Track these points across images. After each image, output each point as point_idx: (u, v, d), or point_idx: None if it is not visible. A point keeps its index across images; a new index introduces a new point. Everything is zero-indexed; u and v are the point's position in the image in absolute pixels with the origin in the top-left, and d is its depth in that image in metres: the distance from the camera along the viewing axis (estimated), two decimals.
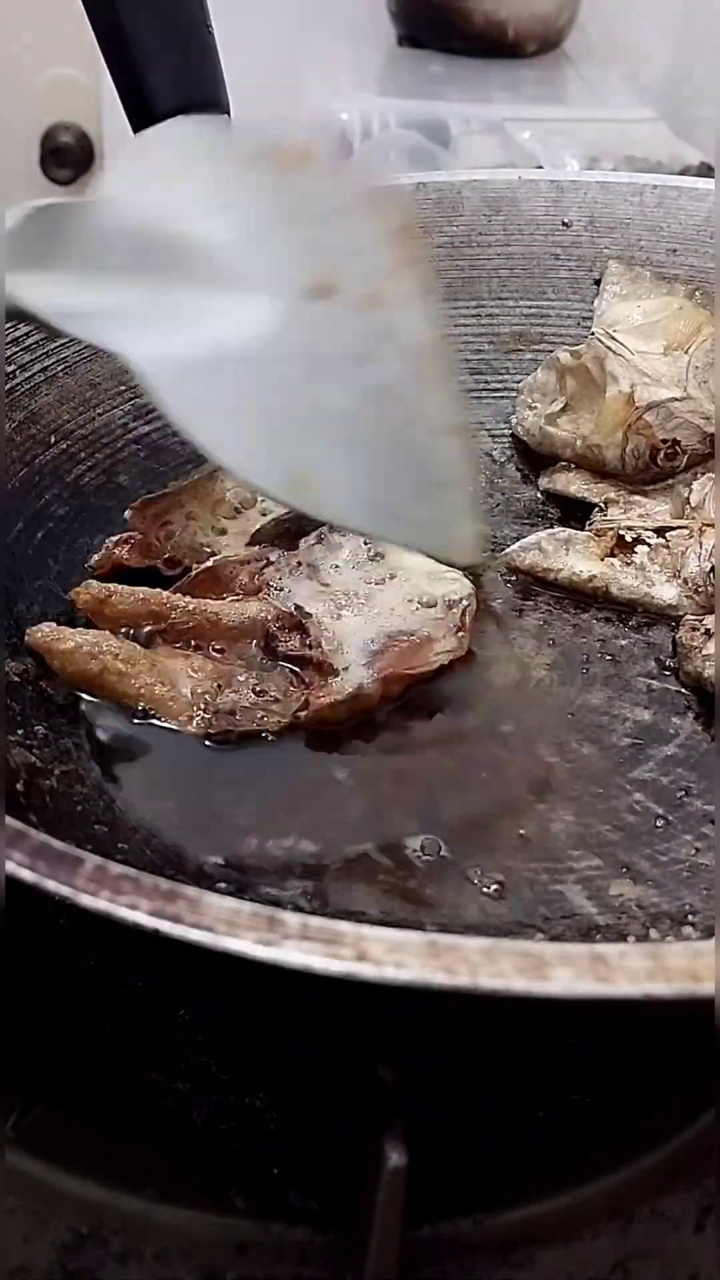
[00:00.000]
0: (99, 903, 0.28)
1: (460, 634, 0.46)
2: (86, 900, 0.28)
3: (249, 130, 0.42)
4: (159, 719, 0.42)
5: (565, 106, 1.09)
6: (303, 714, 0.43)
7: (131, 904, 0.28)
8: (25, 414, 0.50)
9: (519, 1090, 0.35)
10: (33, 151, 1.34)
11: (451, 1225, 0.33)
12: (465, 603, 0.47)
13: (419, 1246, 0.32)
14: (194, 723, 0.42)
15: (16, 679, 0.43)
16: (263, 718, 0.43)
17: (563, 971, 0.26)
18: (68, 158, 1.34)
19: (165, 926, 0.27)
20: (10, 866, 0.29)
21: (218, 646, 0.44)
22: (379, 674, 0.44)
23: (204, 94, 0.53)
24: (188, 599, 0.45)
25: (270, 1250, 0.33)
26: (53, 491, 0.49)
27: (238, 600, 0.46)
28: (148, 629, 0.44)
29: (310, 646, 0.44)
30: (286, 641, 0.45)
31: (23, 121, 1.31)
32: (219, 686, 0.43)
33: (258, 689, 0.43)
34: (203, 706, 0.42)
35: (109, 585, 0.45)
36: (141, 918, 0.27)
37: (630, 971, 0.26)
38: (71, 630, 0.43)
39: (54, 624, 0.44)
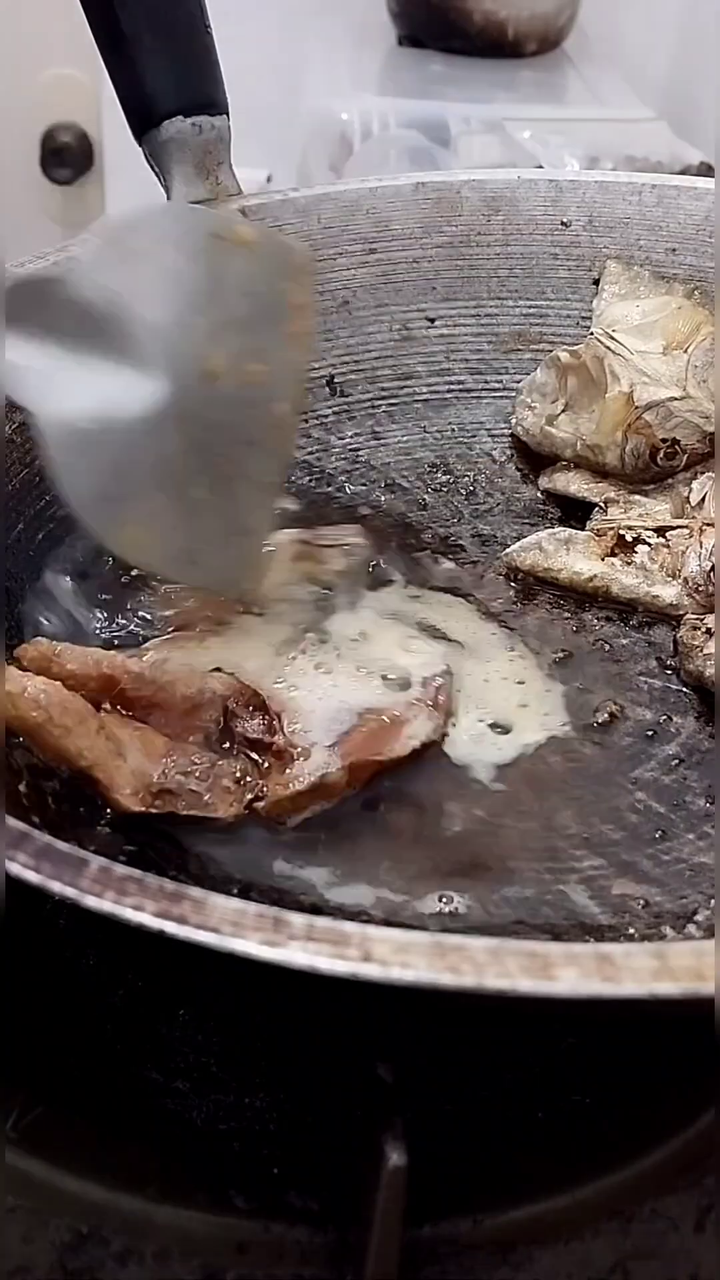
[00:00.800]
0: (104, 904, 0.28)
1: (436, 715, 0.42)
2: (91, 902, 0.28)
3: (206, 214, 0.49)
4: (94, 786, 0.39)
5: (565, 106, 1.09)
6: (259, 804, 0.40)
7: (137, 905, 0.27)
8: (24, 415, 0.49)
9: (519, 1090, 0.35)
10: (33, 151, 1.34)
11: (451, 1225, 0.33)
12: (440, 680, 0.44)
13: (419, 1246, 0.32)
14: (137, 797, 0.39)
15: None
16: (210, 803, 0.39)
17: (568, 971, 0.26)
18: (68, 158, 1.34)
19: (170, 927, 0.27)
20: (14, 868, 0.29)
21: (170, 719, 0.41)
22: (344, 760, 0.40)
23: (203, 96, 0.53)
24: (143, 663, 0.42)
25: (270, 1250, 0.33)
26: (52, 493, 0.49)
27: (195, 673, 0.42)
28: (97, 693, 0.40)
29: (270, 731, 0.41)
30: (246, 722, 0.41)
31: (23, 121, 1.31)
32: (167, 763, 0.40)
33: (209, 772, 0.40)
34: (146, 781, 0.39)
35: (58, 643, 0.41)
36: (147, 919, 0.27)
37: (636, 971, 0.26)
38: (22, 673, 0.39)
39: (30, 665, 0.40)
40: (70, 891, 0.28)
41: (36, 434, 0.42)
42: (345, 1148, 0.32)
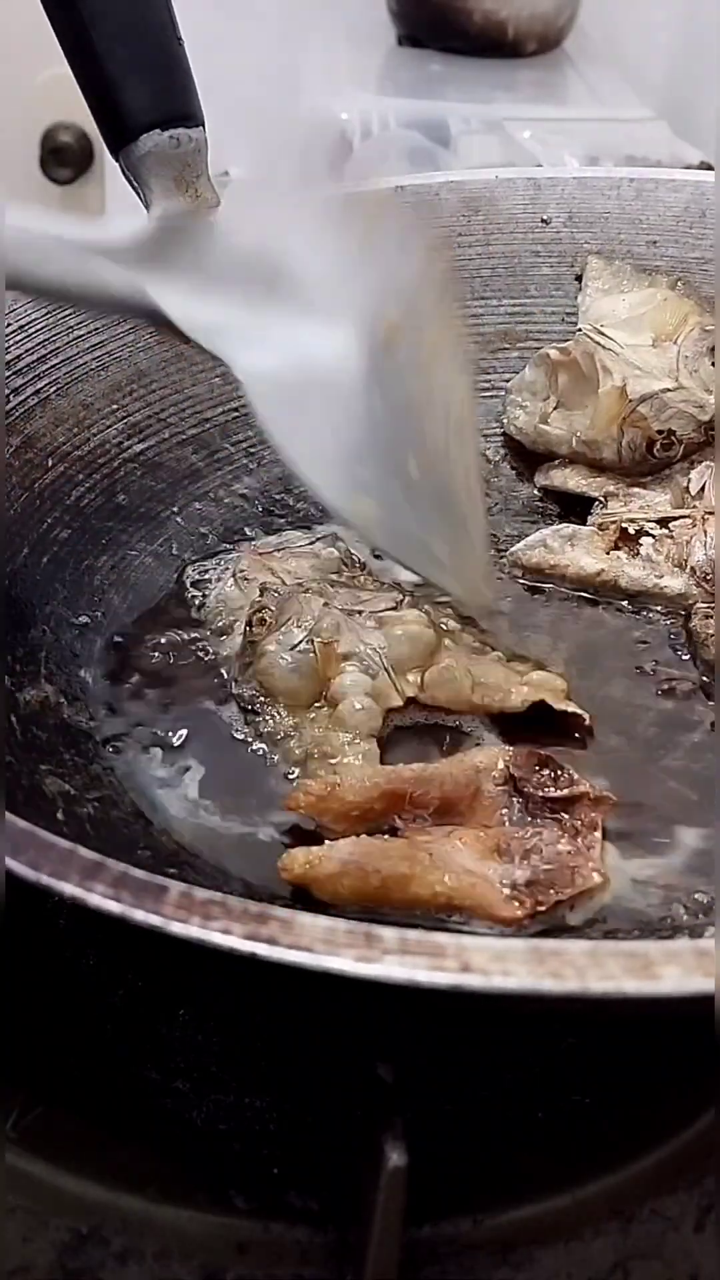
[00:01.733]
0: (190, 930, 0.27)
1: None
2: (177, 929, 0.27)
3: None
4: (465, 920, 0.36)
5: (565, 106, 1.09)
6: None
7: (224, 929, 0.27)
8: (21, 438, 0.49)
9: (519, 1090, 0.35)
10: (33, 151, 1.34)
11: (451, 1225, 0.33)
12: None
13: (419, 1246, 0.32)
14: (515, 905, 0.36)
15: (38, 709, 0.42)
16: (579, 870, 0.36)
17: (670, 970, 0.26)
18: (68, 157, 1.34)
19: (262, 950, 0.26)
20: (94, 899, 0.28)
21: (464, 810, 0.38)
22: None
23: (179, 108, 0.53)
24: (413, 766, 0.40)
25: (270, 1250, 0.33)
26: (54, 515, 0.49)
27: (451, 759, 0.40)
28: (384, 814, 0.38)
29: (562, 780, 0.39)
30: (534, 777, 0.39)
31: (23, 121, 1.31)
32: (505, 857, 0.37)
33: (550, 843, 0.37)
34: (510, 885, 0.36)
35: (325, 779, 0.39)
36: (236, 942, 0.26)
37: None
38: (320, 850, 0.36)
39: (299, 850, 0.37)
40: (155, 920, 0.27)
41: (244, 392, 0.40)
42: (345, 1148, 0.32)
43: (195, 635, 0.48)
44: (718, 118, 0.90)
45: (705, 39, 1.11)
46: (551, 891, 0.36)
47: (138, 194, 0.54)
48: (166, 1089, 0.35)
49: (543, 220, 0.60)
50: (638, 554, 0.50)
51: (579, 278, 0.59)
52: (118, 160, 0.54)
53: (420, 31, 1.17)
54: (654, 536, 0.51)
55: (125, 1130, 0.35)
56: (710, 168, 0.90)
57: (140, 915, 0.27)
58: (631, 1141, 0.35)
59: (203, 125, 0.54)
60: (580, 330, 0.55)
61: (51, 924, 0.38)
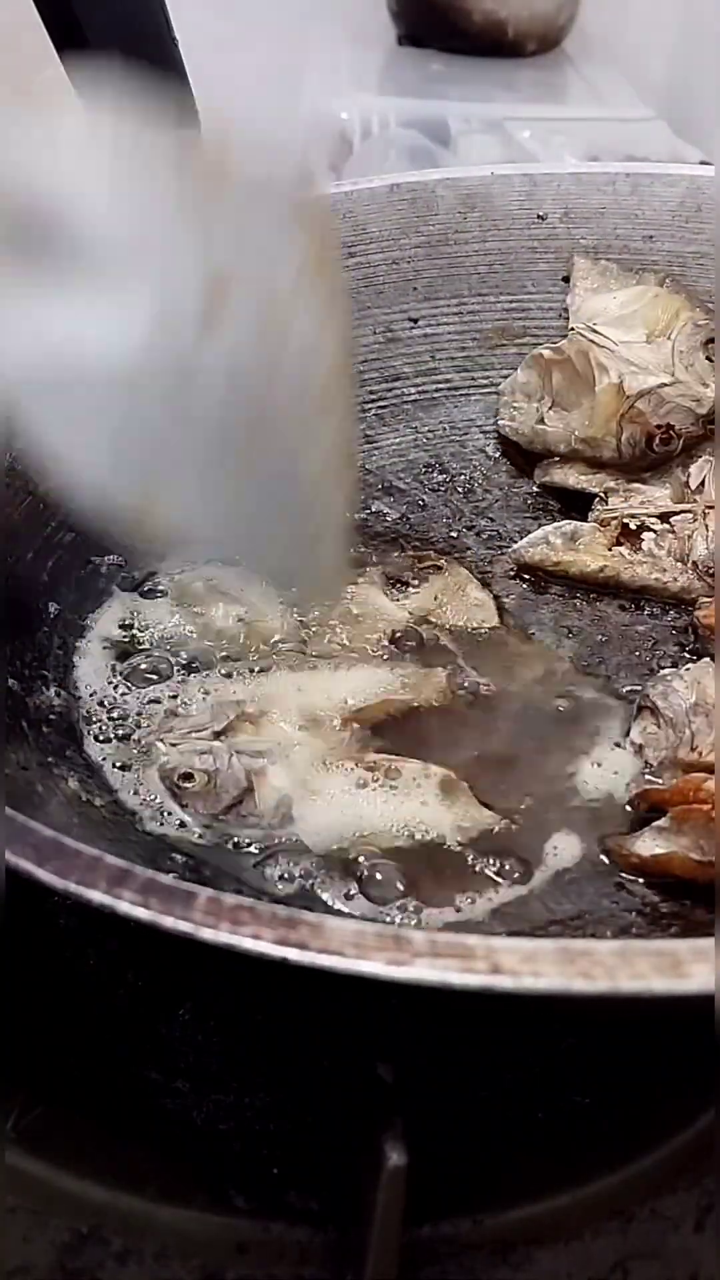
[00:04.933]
0: (220, 935, 0.27)
1: None
2: (208, 935, 0.27)
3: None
4: None
5: (565, 105, 1.09)
6: None
7: (254, 934, 0.27)
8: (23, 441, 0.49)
9: (519, 1090, 0.35)
10: None
11: (451, 1225, 0.33)
12: None
13: (419, 1246, 0.32)
14: None
15: (48, 712, 0.42)
16: None
17: (699, 968, 0.26)
18: None
19: (293, 955, 0.26)
20: (123, 906, 0.28)
21: None
22: None
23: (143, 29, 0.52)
24: None
25: (270, 1250, 0.33)
26: (58, 518, 0.48)
27: None
28: None
29: None
30: None
31: None
32: None
33: None
34: None
35: (687, 777, 0.40)
36: (267, 948, 0.26)
37: None
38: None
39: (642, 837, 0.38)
40: (184, 926, 0.27)
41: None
42: (345, 1148, 0.32)
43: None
44: (718, 117, 0.90)
45: (705, 39, 1.11)
46: None
47: None
48: (167, 1089, 0.35)
49: (539, 216, 0.60)
50: (639, 549, 0.50)
51: (566, 278, 0.59)
52: None
53: (420, 31, 1.17)
54: (655, 532, 0.51)
55: (125, 1130, 0.35)
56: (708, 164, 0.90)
57: (169, 922, 0.27)
58: (631, 1141, 0.35)
59: (199, 127, 0.54)
60: (573, 329, 0.55)
61: (52, 923, 0.38)
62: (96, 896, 0.28)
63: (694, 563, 0.49)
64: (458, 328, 0.59)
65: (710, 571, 0.49)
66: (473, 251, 0.59)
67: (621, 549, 0.50)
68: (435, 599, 0.49)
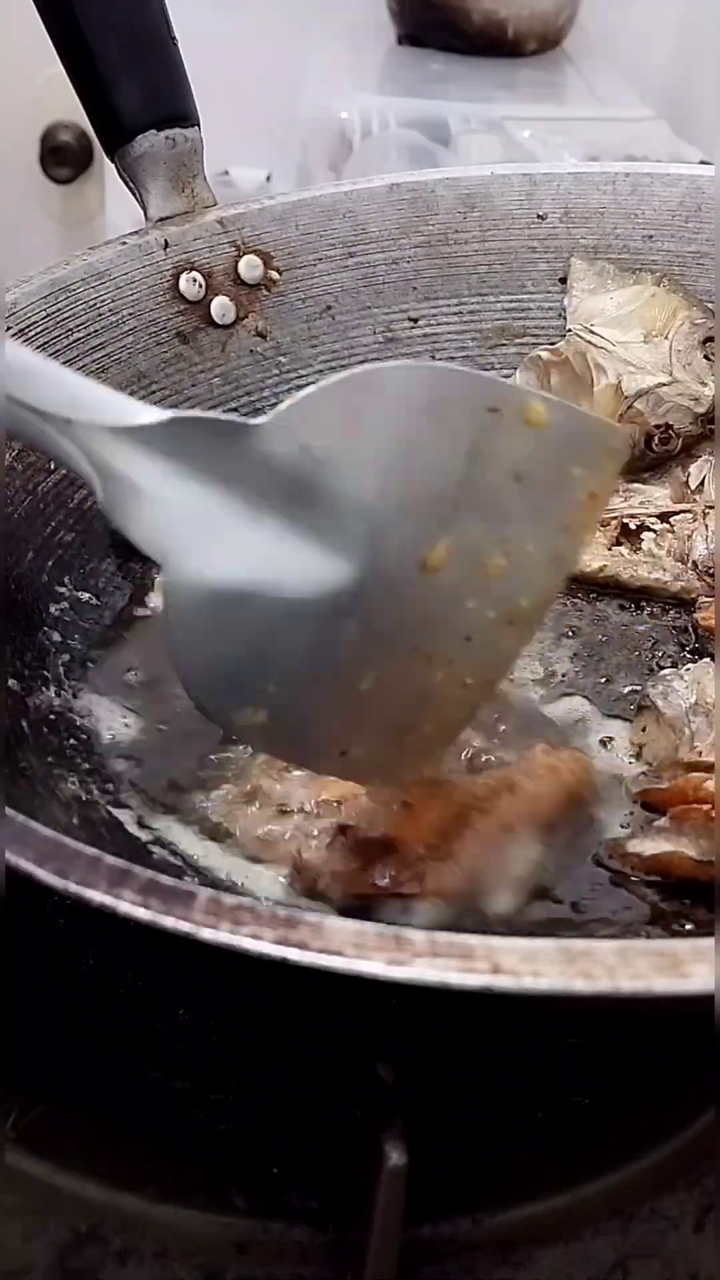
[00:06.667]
0: (220, 935, 0.27)
1: None
2: (207, 935, 0.27)
3: (489, 383, 0.37)
4: None
5: (565, 105, 1.09)
6: None
7: (254, 934, 0.27)
8: (23, 441, 0.49)
9: (519, 1090, 0.35)
10: (32, 150, 1.33)
11: (451, 1225, 0.33)
12: None
13: (419, 1246, 0.32)
14: None
15: (49, 712, 0.42)
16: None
17: (699, 968, 0.26)
18: (67, 156, 1.34)
19: (293, 954, 0.26)
20: (124, 906, 0.28)
21: None
22: None
23: (174, 108, 0.53)
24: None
25: (270, 1250, 0.33)
26: (58, 518, 0.49)
27: None
28: None
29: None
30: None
31: (22, 120, 1.31)
32: None
33: None
34: None
35: (687, 777, 0.40)
36: (267, 948, 0.26)
37: None
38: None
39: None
40: (185, 926, 0.27)
41: (164, 595, 0.32)
42: (345, 1148, 0.32)
43: None
44: (718, 117, 0.90)
45: (705, 39, 1.11)
46: None
47: (134, 195, 0.55)
48: (166, 1089, 0.35)
49: (539, 216, 0.60)
50: (639, 549, 0.50)
51: (563, 280, 0.59)
52: (114, 161, 0.54)
53: (420, 31, 1.17)
54: (655, 531, 0.51)
55: (125, 1130, 0.35)
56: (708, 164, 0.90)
57: (170, 922, 0.27)
58: (631, 1141, 0.35)
59: (198, 125, 0.54)
60: (571, 330, 0.55)
61: (51, 923, 0.38)
62: (96, 896, 0.28)
63: (694, 563, 0.49)
64: (458, 328, 0.59)
65: (710, 571, 0.49)
66: (472, 251, 0.59)
67: (621, 549, 0.50)
68: None
